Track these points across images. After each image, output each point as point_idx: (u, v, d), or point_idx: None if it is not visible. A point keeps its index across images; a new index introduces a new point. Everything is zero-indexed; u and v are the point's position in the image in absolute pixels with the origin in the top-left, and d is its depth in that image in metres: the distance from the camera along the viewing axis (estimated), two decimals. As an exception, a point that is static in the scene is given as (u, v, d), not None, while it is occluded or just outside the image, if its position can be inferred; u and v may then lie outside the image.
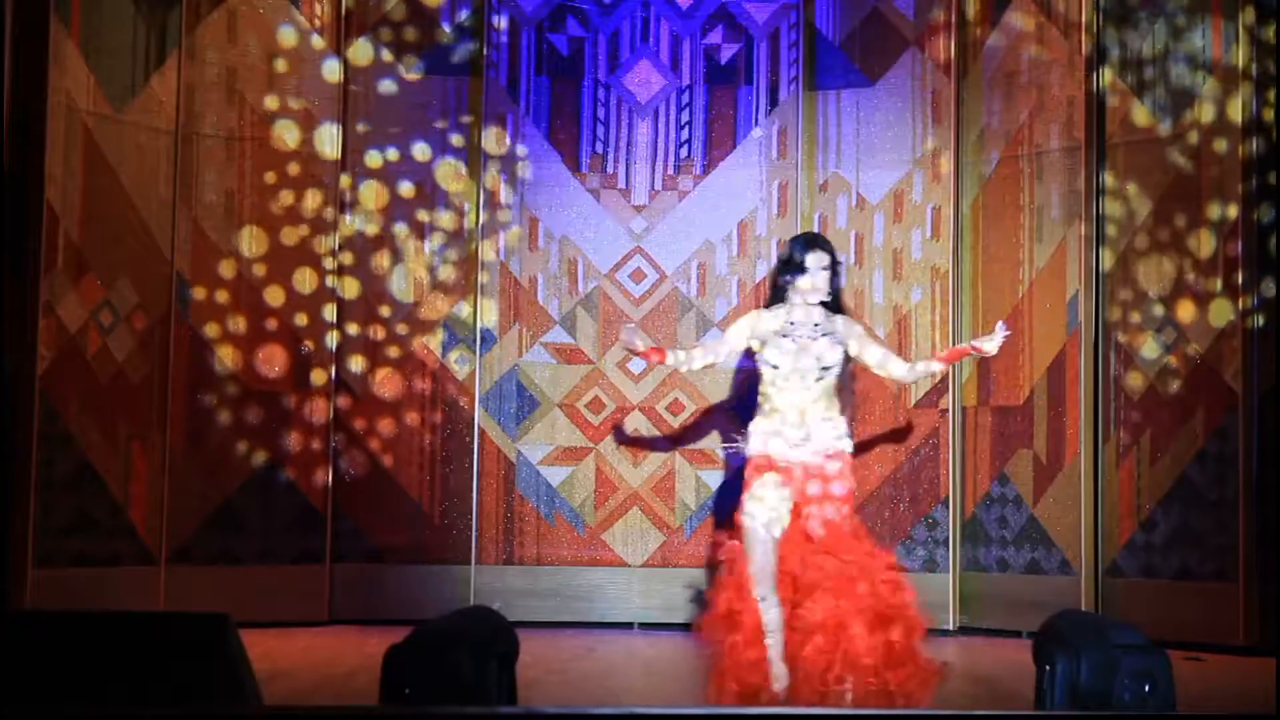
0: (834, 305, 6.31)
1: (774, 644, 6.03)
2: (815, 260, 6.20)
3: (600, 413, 9.05)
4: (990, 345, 6.37)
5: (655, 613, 8.89)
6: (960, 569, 8.78)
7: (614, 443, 9.01)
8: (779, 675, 6.00)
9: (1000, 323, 6.53)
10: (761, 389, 6.30)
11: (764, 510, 6.17)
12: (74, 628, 4.89)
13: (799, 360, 6.19)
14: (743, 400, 8.98)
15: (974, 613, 8.72)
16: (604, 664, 7.55)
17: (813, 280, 6.21)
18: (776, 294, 6.33)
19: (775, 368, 6.22)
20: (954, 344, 8.84)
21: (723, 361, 6.59)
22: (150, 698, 4.77)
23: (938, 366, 6.70)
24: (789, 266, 6.26)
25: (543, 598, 8.94)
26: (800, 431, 6.18)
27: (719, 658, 6.09)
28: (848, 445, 6.24)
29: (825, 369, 6.20)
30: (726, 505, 8.95)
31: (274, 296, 8.77)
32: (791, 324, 6.23)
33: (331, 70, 8.93)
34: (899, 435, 8.91)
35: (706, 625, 6.18)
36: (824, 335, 6.22)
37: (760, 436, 6.24)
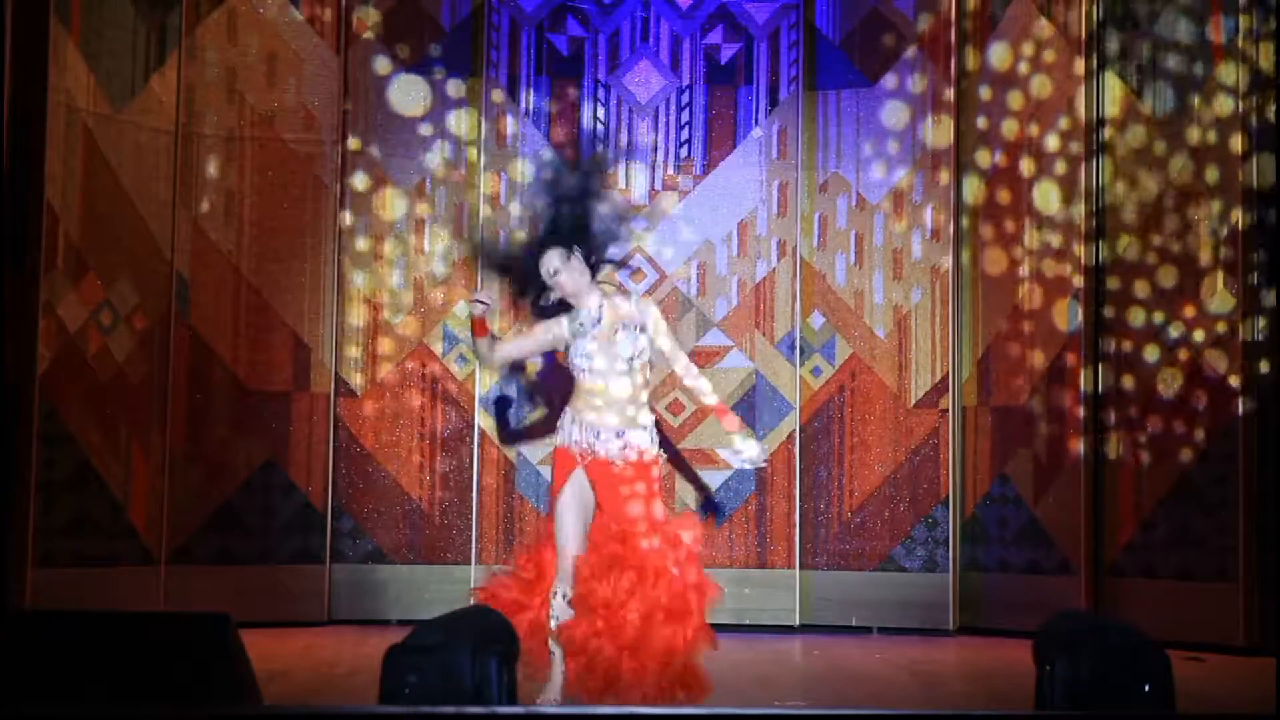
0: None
1: (557, 646, 5.93)
2: (550, 263, 5.98)
3: (600, 413, 9.04)
4: (741, 448, 6.09)
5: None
6: (960, 569, 8.78)
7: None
8: (555, 681, 5.93)
9: (763, 453, 6.31)
10: (575, 388, 6.10)
11: (572, 511, 6.02)
12: (74, 628, 4.89)
13: (600, 358, 6.01)
14: (745, 399, 8.99)
15: (974, 613, 8.72)
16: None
17: (562, 282, 5.99)
18: (551, 304, 6.08)
19: (582, 369, 6.03)
20: (952, 347, 8.86)
21: (518, 358, 6.31)
22: (150, 698, 4.77)
23: (710, 401, 6.20)
24: (540, 284, 6.03)
25: (543, 598, 8.92)
26: (605, 430, 6.02)
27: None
28: (649, 442, 6.05)
29: (629, 360, 6.02)
30: (727, 507, 8.96)
31: (274, 296, 8.77)
32: (581, 325, 6.03)
33: (331, 70, 8.92)
34: (899, 435, 8.91)
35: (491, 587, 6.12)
36: (621, 328, 6.01)
37: (565, 433, 6.09)
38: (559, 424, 6.15)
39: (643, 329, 6.04)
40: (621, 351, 6.01)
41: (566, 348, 6.11)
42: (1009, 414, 8.71)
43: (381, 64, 9.06)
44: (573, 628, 5.87)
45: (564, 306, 6.10)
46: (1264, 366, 7.87)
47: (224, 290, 8.70)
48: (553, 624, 5.96)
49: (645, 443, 6.06)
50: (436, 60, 9.11)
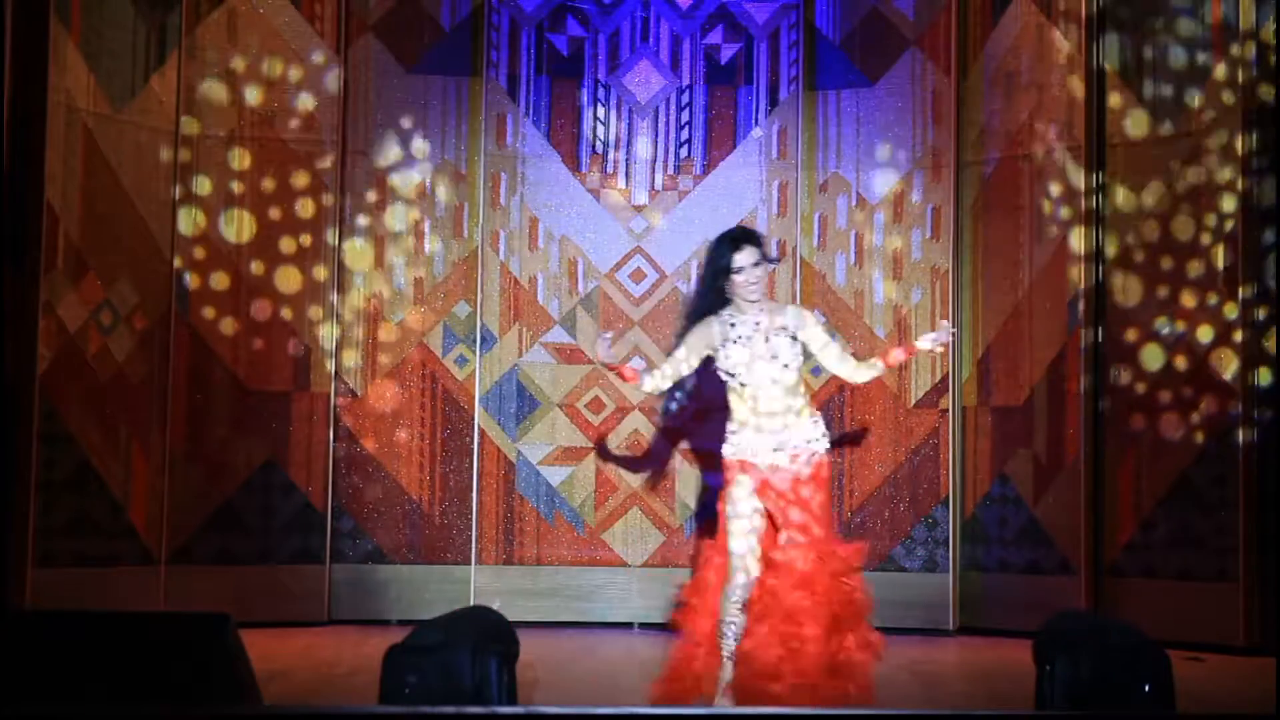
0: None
1: (729, 651, 5.98)
2: (745, 258, 6.03)
3: (600, 413, 9.06)
4: (924, 343, 6.18)
5: (655, 613, 8.88)
6: (960, 569, 8.78)
7: (610, 448, 9.01)
8: (725, 681, 5.98)
9: (945, 320, 6.40)
10: (728, 396, 6.14)
11: (742, 522, 6.05)
12: (74, 628, 4.89)
13: (755, 364, 6.04)
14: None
15: (974, 613, 8.72)
16: (604, 664, 7.55)
17: (747, 278, 6.03)
18: (716, 298, 6.12)
19: (733, 375, 6.07)
20: (952, 347, 8.85)
21: (683, 375, 6.25)
22: (150, 698, 4.77)
23: (882, 367, 6.29)
24: (719, 269, 6.05)
25: (543, 598, 8.94)
26: (770, 436, 6.05)
27: (672, 657, 6.10)
28: (822, 445, 6.12)
29: (785, 367, 6.05)
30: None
31: (274, 296, 8.77)
32: (735, 326, 6.08)
33: (331, 70, 8.92)
34: (899, 435, 8.91)
35: (679, 621, 6.17)
36: (775, 333, 6.07)
37: (732, 444, 6.11)
38: (726, 437, 6.13)
39: (794, 336, 6.07)
40: (776, 359, 6.04)
41: (714, 354, 6.11)
42: (1009, 414, 8.71)
43: (381, 63, 9.06)
44: (755, 658, 5.90)
45: (701, 311, 6.15)
46: (1264, 369, 7.87)
47: (224, 290, 8.70)
48: (724, 628, 5.98)
49: (809, 443, 6.07)
50: (436, 60, 9.11)
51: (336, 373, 8.88)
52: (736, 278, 6.02)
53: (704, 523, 8.92)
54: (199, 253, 8.65)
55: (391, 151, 9.04)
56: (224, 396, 8.67)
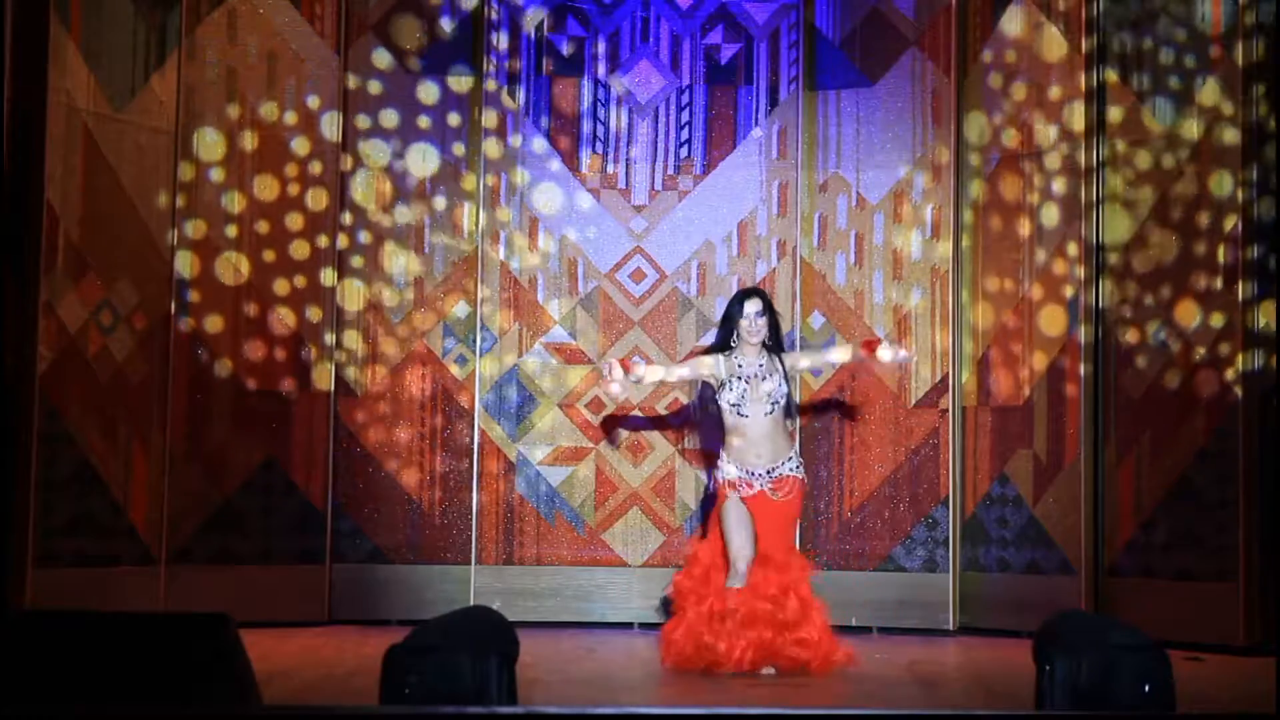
0: (775, 347, 7.25)
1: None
2: (753, 306, 7.17)
3: (600, 413, 9.06)
4: (885, 354, 7.28)
5: (655, 613, 8.88)
6: (960, 569, 8.79)
7: (610, 443, 9.02)
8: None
9: (908, 352, 7.73)
10: (725, 424, 7.22)
11: (737, 509, 7.14)
12: (74, 628, 4.89)
13: (750, 398, 7.16)
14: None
15: (974, 613, 8.72)
16: (604, 664, 7.55)
17: (750, 327, 7.16)
18: (724, 340, 7.27)
19: (733, 405, 7.16)
20: (952, 347, 8.86)
21: (673, 382, 7.81)
22: (150, 698, 4.77)
23: (850, 350, 7.63)
24: (731, 316, 7.22)
25: (543, 598, 8.94)
26: (757, 461, 7.15)
27: (676, 628, 7.15)
28: (799, 472, 7.21)
29: (774, 403, 7.15)
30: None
31: (274, 296, 8.77)
32: (740, 366, 7.19)
33: (331, 70, 8.93)
34: (899, 435, 8.91)
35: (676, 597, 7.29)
36: (769, 374, 7.17)
37: (726, 465, 7.22)
38: (719, 464, 7.25)
39: (780, 373, 7.19)
40: (770, 394, 7.16)
41: (715, 386, 7.22)
42: (1009, 414, 8.71)
43: (381, 63, 9.06)
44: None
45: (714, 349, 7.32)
46: (1264, 366, 7.87)
47: (224, 290, 8.70)
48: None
49: (787, 467, 7.19)
50: (436, 60, 9.11)
51: (336, 372, 8.88)
52: (742, 324, 7.17)
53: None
54: (199, 252, 8.65)
55: (391, 151, 9.05)
56: (224, 396, 8.67)
